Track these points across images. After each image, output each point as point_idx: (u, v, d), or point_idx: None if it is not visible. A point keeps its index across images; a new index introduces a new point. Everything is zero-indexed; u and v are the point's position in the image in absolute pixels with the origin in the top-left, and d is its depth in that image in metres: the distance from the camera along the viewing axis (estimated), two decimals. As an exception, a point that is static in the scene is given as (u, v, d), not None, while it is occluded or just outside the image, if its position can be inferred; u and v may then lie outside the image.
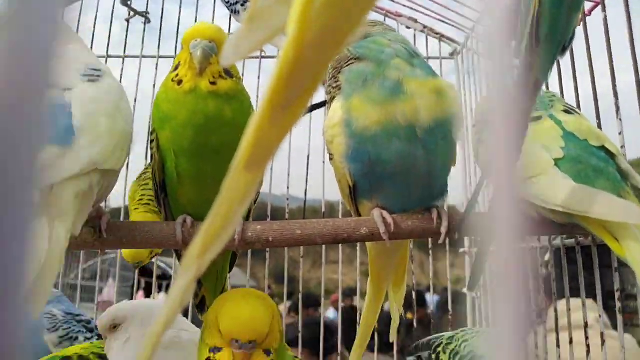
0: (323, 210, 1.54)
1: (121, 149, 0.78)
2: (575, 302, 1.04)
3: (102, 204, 0.90)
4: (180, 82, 0.85)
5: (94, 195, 0.74)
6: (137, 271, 1.58)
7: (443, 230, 0.87)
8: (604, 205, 0.74)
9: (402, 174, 0.85)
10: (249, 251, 1.53)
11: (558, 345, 1.08)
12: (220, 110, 0.85)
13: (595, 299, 1.02)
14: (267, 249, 1.54)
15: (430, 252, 1.59)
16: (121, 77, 1.40)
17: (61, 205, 0.67)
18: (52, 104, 0.74)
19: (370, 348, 1.64)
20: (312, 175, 1.64)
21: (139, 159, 1.50)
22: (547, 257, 1.24)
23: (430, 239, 1.61)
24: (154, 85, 1.38)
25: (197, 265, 0.44)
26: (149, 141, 0.93)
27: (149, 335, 0.50)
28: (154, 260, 1.58)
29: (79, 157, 0.70)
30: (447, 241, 1.67)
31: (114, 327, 1.03)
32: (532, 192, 0.80)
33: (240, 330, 0.83)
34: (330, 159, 0.93)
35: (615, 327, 1.10)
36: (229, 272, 1.09)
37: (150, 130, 0.92)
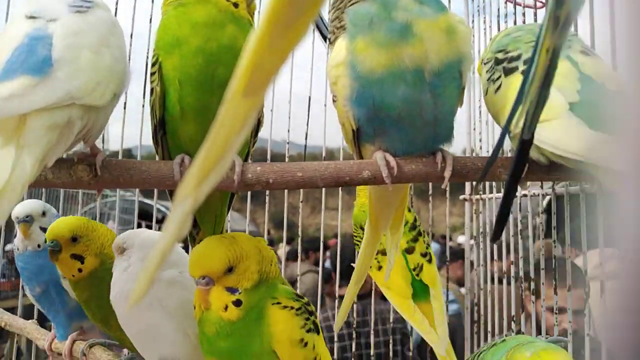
0: (323, 155, 1.52)
1: (106, 86, 0.76)
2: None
3: (101, 146, 0.88)
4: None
5: (74, 130, 0.73)
6: (137, 214, 1.57)
7: (447, 174, 0.85)
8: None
9: (407, 118, 0.82)
10: (249, 196, 1.52)
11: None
12: (235, 39, 0.84)
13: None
14: (267, 194, 1.53)
15: (430, 198, 1.58)
16: (116, 12, 1.34)
17: (32, 136, 0.67)
18: (32, 34, 0.72)
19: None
20: (313, 121, 1.61)
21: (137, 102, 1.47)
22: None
23: (430, 185, 1.61)
24: (150, 20, 1.33)
25: (194, 197, 0.43)
26: (149, 74, 0.91)
27: (145, 267, 0.49)
28: (153, 203, 1.57)
29: (54, 88, 0.68)
30: (448, 188, 1.68)
31: (122, 250, 1.04)
32: (544, 137, 0.77)
33: (192, 267, 0.90)
34: (334, 101, 0.90)
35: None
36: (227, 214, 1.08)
37: (152, 61, 0.89)
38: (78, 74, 0.72)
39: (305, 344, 0.92)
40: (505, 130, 0.69)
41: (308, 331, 0.93)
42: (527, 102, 0.62)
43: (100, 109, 0.79)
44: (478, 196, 1.58)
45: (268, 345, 0.89)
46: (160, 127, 0.89)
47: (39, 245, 1.27)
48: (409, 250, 1.35)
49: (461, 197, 1.65)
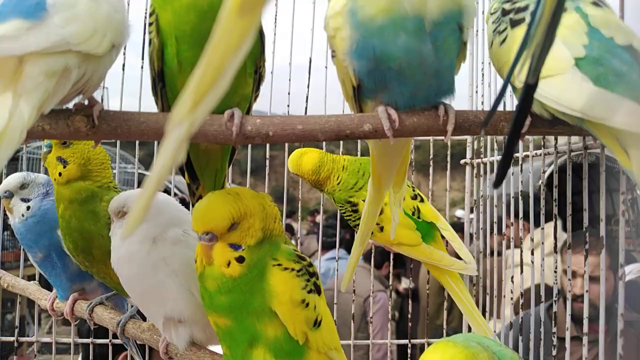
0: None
1: (103, 34, 0.75)
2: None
3: (99, 99, 0.87)
4: None
5: (71, 78, 0.73)
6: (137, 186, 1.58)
7: (449, 127, 0.84)
8: (623, 114, 0.69)
9: (408, 69, 0.80)
10: (249, 170, 1.51)
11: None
12: None
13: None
14: (267, 169, 1.52)
15: (431, 169, 1.58)
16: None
17: (29, 83, 0.67)
18: None
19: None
20: (313, 91, 1.59)
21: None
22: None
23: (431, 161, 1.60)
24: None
25: (189, 121, 0.41)
26: (147, 25, 0.89)
27: (141, 194, 0.48)
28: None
29: (48, 33, 0.68)
30: (449, 160, 1.66)
31: (122, 214, 1.04)
32: (547, 92, 0.75)
33: (195, 222, 0.89)
34: (333, 57, 0.88)
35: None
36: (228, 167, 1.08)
37: (150, 11, 0.87)
38: (74, 19, 0.72)
39: (307, 305, 0.92)
40: (509, 75, 0.68)
41: (309, 292, 0.93)
42: (533, 46, 0.60)
43: (99, 60, 0.78)
44: (479, 160, 1.56)
45: (268, 304, 0.89)
46: (160, 80, 0.88)
47: (22, 215, 1.29)
48: None
49: (462, 161, 1.64)
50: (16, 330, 1.60)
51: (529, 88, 0.64)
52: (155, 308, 1.05)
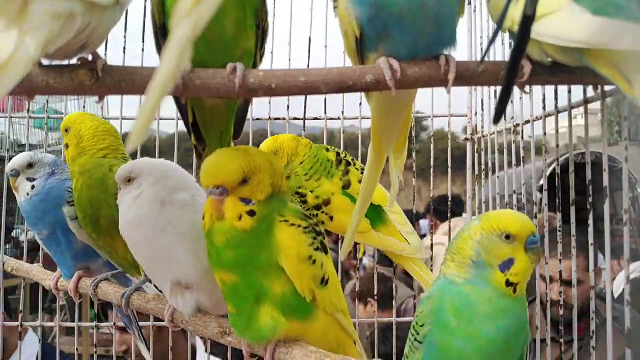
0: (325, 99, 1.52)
1: None
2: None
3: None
4: None
5: (75, 24, 0.73)
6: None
7: (451, 76, 0.84)
8: (625, 37, 0.70)
9: (409, 15, 0.81)
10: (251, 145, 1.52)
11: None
12: None
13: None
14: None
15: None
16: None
17: (35, 22, 0.68)
18: None
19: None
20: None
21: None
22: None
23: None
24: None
25: (193, 20, 0.42)
26: None
27: (146, 100, 0.48)
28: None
29: None
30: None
31: (129, 180, 1.04)
32: (544, 30, 0.76)
33: (205, 176, 0.90)
34: (335, 7, 0.89)
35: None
36: (238, 138, 1.08)
37: None
38: None
39: (314, 262, 0.92)
40: (507, 7, 0.69)
41: (316, 250, 0.92)
42: None
43: (103, 12, 0.79)
44: (479, 135, 1.57)
45: (276, 259, 0.89)
46: (162, 34, 0.89)
47: (27, 194, 1.32)
48: (346, 186, 1.33)
49: (463, 137, 1.64)
50: (20, 315, 1.60)
51: (527, 19, 0.65)
52: (163, 272, 1.05)
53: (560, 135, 1.33)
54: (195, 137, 1.03)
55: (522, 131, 1.23)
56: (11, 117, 1.76)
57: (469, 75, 0.86)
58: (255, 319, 0.91)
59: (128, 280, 1.37)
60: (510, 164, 1.35)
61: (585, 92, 0.97)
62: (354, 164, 1.36)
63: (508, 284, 0.87)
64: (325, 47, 1.52)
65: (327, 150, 1.36)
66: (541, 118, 1.15)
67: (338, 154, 1.36)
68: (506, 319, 0.86)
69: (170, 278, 1.04)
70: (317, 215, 1.29)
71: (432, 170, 1.63)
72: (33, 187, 1.31)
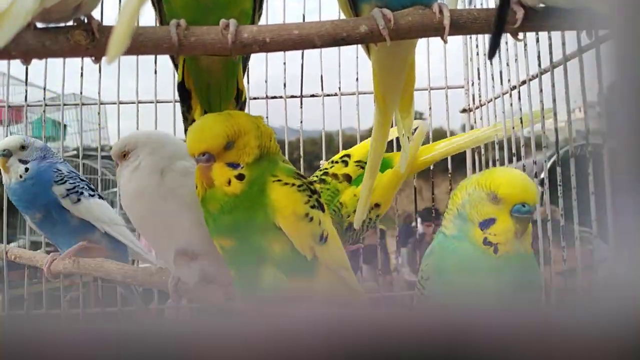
0: (322, 86, 1.51)
1: None
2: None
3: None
4: None
5: None
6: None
7: (446, 21, 0.84)
8: None
9: None
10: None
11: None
12: None
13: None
14: (267, 119, 1.53)
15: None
16: None
17: None
18: None
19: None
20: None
21: None
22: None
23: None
24: None
25: None
26: None
27: (120, 13, 0.48)
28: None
29: None
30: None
31: (125, 154, 1.04)
32: None
33: (191, 144, 0.90)
34: None
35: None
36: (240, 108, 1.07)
37: None
38: None
39: (311, 219, 0.91)
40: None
41: (312, 207, 0.92)
42: None
43: None
44: (477, 105, 1.57)
45: (272, 219, 0.89)
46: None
47: (20, 176, 1.32)
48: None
49: (460, 109, 1.64)
50: (25, 304, 1.60)
51: None
52: (167, 242, 1.05)
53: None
54: (183, 103, 1.02)
55: (519, 92, 1.23)
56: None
57: (462, 22, 0.86)
58: (257, 280, 0.91)
59: (125, 255, 1.38)
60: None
61: (579, 41, 0.96)
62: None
63: (486, 242, 0.86)
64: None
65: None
66: (537, 76, 1.15)
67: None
68: (489, 278, 0.86)
69: (175, 247, 1.04)
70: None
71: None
72: (26, 169, 1.31)
